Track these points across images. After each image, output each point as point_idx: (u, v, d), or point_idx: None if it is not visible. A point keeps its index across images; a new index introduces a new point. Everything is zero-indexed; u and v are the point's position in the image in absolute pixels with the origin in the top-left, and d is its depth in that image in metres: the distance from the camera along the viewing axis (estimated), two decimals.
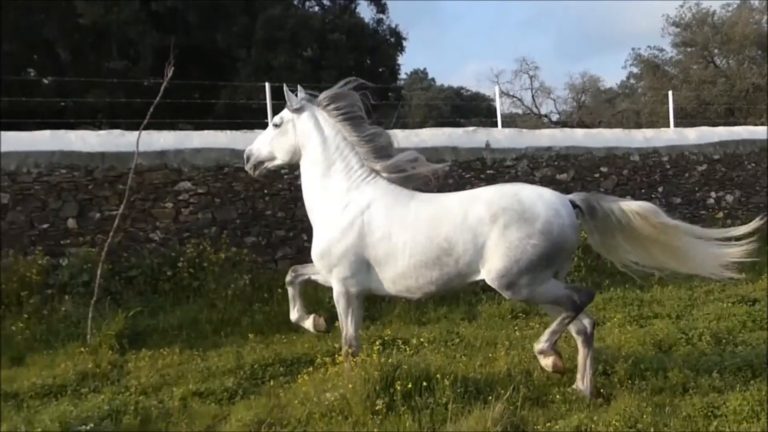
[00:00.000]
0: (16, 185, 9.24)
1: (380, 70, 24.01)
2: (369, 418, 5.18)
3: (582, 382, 5.72)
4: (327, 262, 5.88)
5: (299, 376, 6.37)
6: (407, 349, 6.85)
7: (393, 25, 26.07)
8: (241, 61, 20.89)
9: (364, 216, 5.76)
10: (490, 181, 12.12)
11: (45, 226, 9.35)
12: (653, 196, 13.29)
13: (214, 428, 5.52)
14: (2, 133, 9.51)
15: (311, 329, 6.25)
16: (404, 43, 26.28)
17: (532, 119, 33.03)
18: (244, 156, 6.52)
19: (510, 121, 29.35)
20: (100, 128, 16.07)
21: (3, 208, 9.16)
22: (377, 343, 6.26)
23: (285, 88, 6.29)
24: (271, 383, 6.50)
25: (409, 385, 5.31)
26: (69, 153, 9.54)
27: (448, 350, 7.26)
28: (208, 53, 20.52)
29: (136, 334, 8.12)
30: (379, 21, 25.92)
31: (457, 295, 9.63)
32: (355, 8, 25.95)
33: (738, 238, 5.65)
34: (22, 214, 9.25)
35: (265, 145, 6.37)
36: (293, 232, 10.77)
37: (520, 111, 34.50)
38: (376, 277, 5.80)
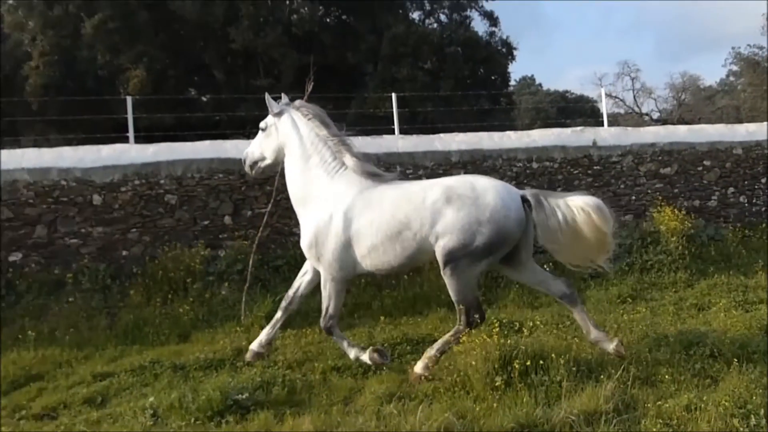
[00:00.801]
0: (182, 188, 9.71)
1: (492, 77, 23.66)
2: (489, 393, 5.12)
3: (592, 334, 5.79)
4: (315, 252, 6.00)
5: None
6: (524, 330, 6.72)
7: (504, 37, 25.65)
8: (369, 75, 21.15)
9: (340, 205, 5.88)
10: (597, 177, 11.73)
11: (206, 222, 9.77)
12: (756, 187, 12.53)
13: (350, 399, 5.61)
14: (172, 144, 10.02)
15: (370, 362, 6.08)
16: (515, 53, 25.81)
17: (634, 118, 31.74)
18: (242, 158, 6.79)
19: (613, 120, 28.34)
20: (249, 137, 16.69)
21: (172, 207, 9.66)
22: (496, 325, 6.15)
23: (267, 96, 6.49)
24: (400, 360, 6.54)
25: (528, 363, 5.21)
26: (225, 159, 9.94)
27: (560, 332, 7.06)
28: (340, 69, 20.86)
29: None
30: (492, 34, 25.58)
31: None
32: (470, 23, 25.73)
33: None
34: (187, 212, 9.72)
35: (257, 147, 6.61)
36: None
37: (622, 111, 33.30)
38: (355, 257, 5.88)
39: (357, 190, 5.93)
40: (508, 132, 12.34)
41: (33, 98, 18.47)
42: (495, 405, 4.91)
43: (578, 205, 5.65)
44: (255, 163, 6.68)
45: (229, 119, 19.82)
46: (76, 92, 18.28)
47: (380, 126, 14.43)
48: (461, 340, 5.74)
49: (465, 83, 20.18)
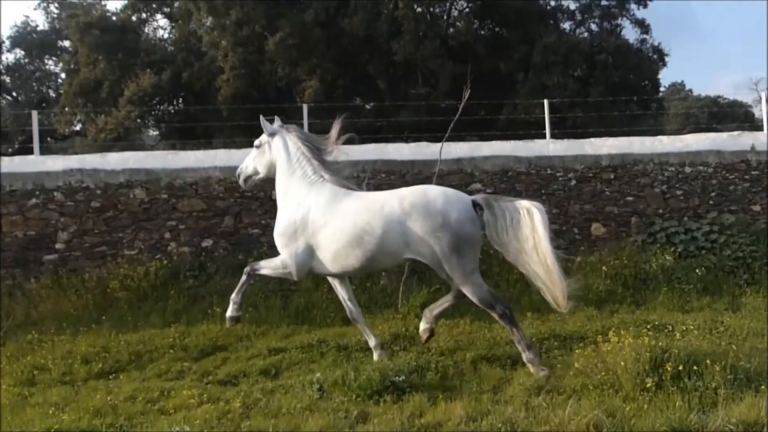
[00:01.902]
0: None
1: (642, 84, 22.24)
2: (638, 394, 4.79)
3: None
4: (282, 241, 6.31)
5: (573, 350, 6.09)
6: (676, 333, 6.23)
7: (656, 43, 24.03)
8: (520, 83, 20.59)
9: (310, 212, 6.19)
10: (755, 182, 10.70)
11: None
12: None
13: (499, 389, 5.46)
14: (342, 146, 10.27)
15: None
16: (666, 59, 24.11)
17: None
18: (236, 173, 7.05)
19: None
20: (407, 142, 16.86)
21: None
22: (647, 327, 5.74)
23: (261, 118, 6.83)
24: (548, 355, 6.29)
25: (680, 367, 4.81)
26: (387, 161, 10.07)
27: (714, 338, 6.50)
28: (493, 77, 20.50)
29: None
30: (643, 41, 24.02)
31: (720, 287, 8.65)
32: (621, 31, 24.34)
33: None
34: None
35: (251, 163, 6.91)
36: (566, 227, 10.37)
37: None
38: (318, 260, 6.18)
39: (327, 201, 6.21)
40: (659, 137, 11.58)
41: (224, 106, 19.76)
42: (645, 406, 4.58)
43: (524, 206, 5.82)
44: (249, 177, 6.97)
45: (390, 125, 20.12)
46: (259, 101, 19.31)
47: (531, 131, 14.04)
48: (610, 339, 5.43)
49: (615, 89, 19.09)
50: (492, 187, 10.19)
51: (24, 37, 27.26)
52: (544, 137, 11.71)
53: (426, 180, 9.66)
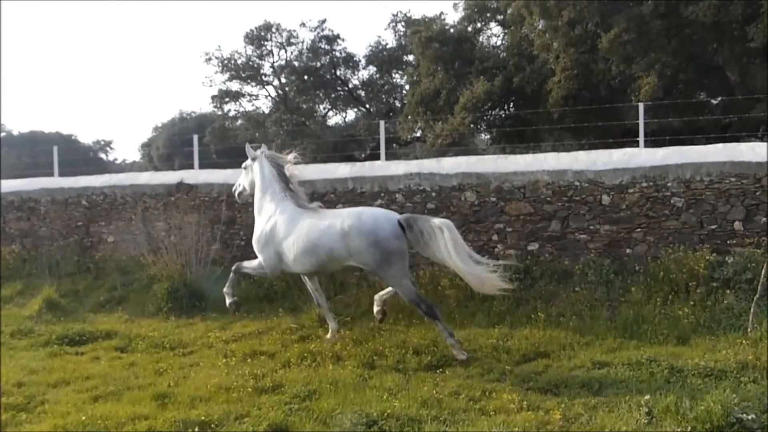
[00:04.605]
0: (689, 191, 8.98)
1: None
2: None
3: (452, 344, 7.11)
4: (258, 247, 7.95)
5: None
6: None
7: None
8: None
9: (276, 225, 7.79)
10: None
11: (713, 226, 8.85)
12: None
13: None
14: (682, 147, 9.38)
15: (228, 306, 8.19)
16: None
17: None
18: (233, 189, 9.01)
19: None
20: (762, 140, 14.68)
21: (677, 210, 9.04)
22: None
23: (247, 146, 8.53)
24: None
25: None
26: (738, 163, 8.82)
27: None
28: None
29: None
30: None
31: None
32: None
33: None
34: (693, 215, 8.96)
35: (241, 181, 8.73)
36: None
37: None
38: (286, 262, 7.74)
39: (290, 218, 7.73)
40: None
41: (554, 109, 19.60)
42: None
43: (437, 225, 7.01)
44: (240, 193, 8.79)
45: (741, 121, 17.77)
46: (590, 101, 18.73)
47: None
48: None
49: None
50: None
51: (376, 55, 30.70)
52: None
53: None
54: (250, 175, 8.49)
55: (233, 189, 8.99)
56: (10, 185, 14.88)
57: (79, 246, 13.41)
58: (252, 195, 8.50)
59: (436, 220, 7.10)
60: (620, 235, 9.30)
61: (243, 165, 8.67)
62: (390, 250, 7.08)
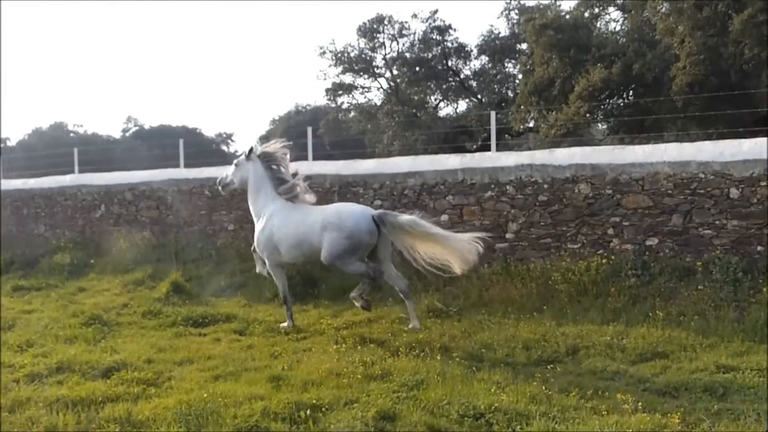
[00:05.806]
0: None
1: None
2: None
3: (413, 322, 8.26)
4: (261, 248, 8.81)
5: None
6: None
7: None
8: None
9: (271, 222, 8.66)
10: None
11: None
12: None
13: None
14: None
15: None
16: None
17: None
18: (217, 180, 9.78)
19: None
20: None
21: None
22: None
23: (254, 145, 9.12)
24: None
25: None
26: None
27: None
28: None
29: None
30: None
31: None
32: None
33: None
34: None
35: (230, 174, 9.39)
36: None
37: None
38: (280, 254, 8.62)
39: (281, 214, 8.63)
40: None
41: (677, 96, 18.48)
42: None
43: (401, 222, 7.91)
44: (226, 185, 9.53)
45: None
46: (718, 88, 17.53)
47: None
48: None
49: None
50: None
51: (488, 44, 30.22)
52: None
53: None
54: (243, 172, 9.18)
55: (218, 180, 9.70)
56: (141, 176, 16.00)
57: (203, 233, 14.22)
58: (238, 188, 9.55)
59: (402, 217, 7.98)
60: (750, 231, 8.69)
61: (235, 161, 9.40)
62: (360, 242, 8.05)
